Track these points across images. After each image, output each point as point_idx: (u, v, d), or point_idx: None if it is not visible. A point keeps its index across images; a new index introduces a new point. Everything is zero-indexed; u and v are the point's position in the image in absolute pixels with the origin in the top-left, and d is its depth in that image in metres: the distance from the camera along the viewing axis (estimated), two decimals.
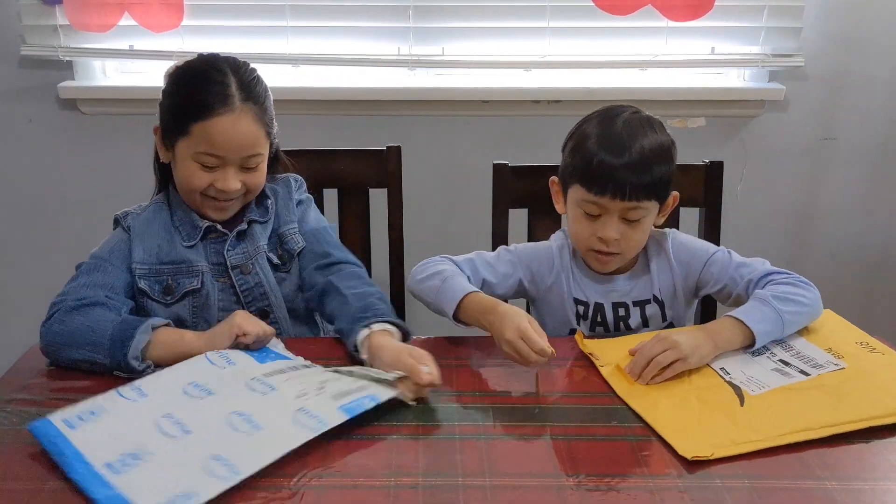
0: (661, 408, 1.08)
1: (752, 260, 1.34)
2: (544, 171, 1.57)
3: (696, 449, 0.98)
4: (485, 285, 1.35)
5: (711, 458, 0.97)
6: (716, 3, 2.02)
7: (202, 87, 1.26)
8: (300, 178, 1.47)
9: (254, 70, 1.33)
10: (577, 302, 1.38)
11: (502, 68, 2.11)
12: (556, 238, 1.43)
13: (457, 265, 1.34)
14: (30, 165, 2.17)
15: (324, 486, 0.92)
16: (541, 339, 1.12)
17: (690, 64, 2.12)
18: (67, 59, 2.05)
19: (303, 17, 2.05)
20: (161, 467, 0.93)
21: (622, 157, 1.23)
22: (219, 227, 1.35)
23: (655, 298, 1.37)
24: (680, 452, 0.98)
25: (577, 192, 1.28)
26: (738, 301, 1.31)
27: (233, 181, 1.29)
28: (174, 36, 2.04)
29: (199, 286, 1.33)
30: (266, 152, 1.34)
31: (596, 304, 1.37)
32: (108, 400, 1.04)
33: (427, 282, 1.31)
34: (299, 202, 1.44)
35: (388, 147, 1.61)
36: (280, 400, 1.06)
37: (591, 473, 0.95)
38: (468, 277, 1.33)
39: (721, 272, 1.34)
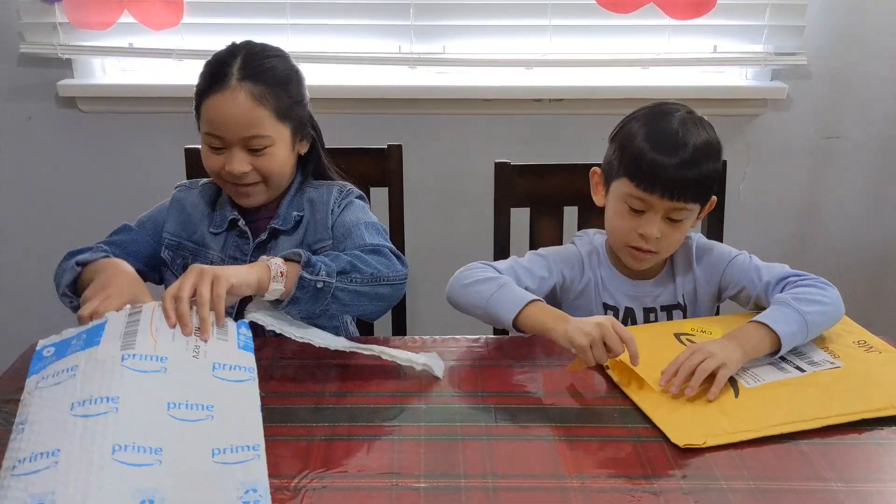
0: (656, 396, 1.09)
1: (771, 264, 1.33)
2: (546, 170, 1.58)
3: (688, 437, 0.99)
4: None
5: (703, 446, 0.98)
6: (718, 2, 2.01)
7: (207, 68, 1.29)
8: (349, 186, 1.40)
9: (274, 53, 1.30)
10: (606, 307, 1.36)
11: (504, 66, 2.10)
12: (582, 243, 1.40)
13: (500, 272, 1.29)
14: (29, 163, 2.16)
15: (325, 486, 0.92)
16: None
17: (693, 62, 2.11)
18: (67, 56, 2.04)
19: (303, 14, 2.04)
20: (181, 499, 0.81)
21: (675, 157, 1.21)
22: (241, 223, 1.35)
23: (679, 304, 1.37)
24: (672, 440, 0.99)
25: (623, 186, 1.26)
26: (758, 304, 1.31)
27: (238, 164, 1.27)
28: (174, 34, 2.02)
29: None
30: (276, 136, 1.28)
31: (626, 308, 1.36)
32: (32, 486, 0.79)
33: (477, 286, 1.25)
34: (341, 211, 1.36)
35: (389, 146, 1.60)
36: (189, 370, 0.96)
37: (595, 474, 0.94)
38: None
39: (740, 275, 1.33)
